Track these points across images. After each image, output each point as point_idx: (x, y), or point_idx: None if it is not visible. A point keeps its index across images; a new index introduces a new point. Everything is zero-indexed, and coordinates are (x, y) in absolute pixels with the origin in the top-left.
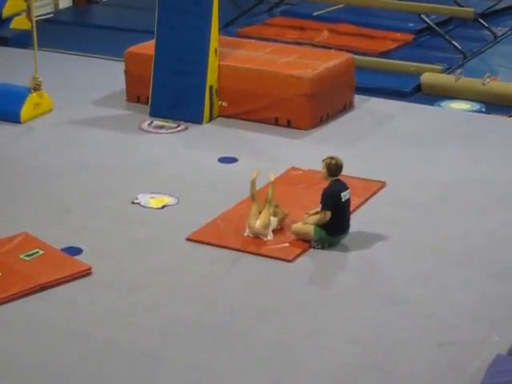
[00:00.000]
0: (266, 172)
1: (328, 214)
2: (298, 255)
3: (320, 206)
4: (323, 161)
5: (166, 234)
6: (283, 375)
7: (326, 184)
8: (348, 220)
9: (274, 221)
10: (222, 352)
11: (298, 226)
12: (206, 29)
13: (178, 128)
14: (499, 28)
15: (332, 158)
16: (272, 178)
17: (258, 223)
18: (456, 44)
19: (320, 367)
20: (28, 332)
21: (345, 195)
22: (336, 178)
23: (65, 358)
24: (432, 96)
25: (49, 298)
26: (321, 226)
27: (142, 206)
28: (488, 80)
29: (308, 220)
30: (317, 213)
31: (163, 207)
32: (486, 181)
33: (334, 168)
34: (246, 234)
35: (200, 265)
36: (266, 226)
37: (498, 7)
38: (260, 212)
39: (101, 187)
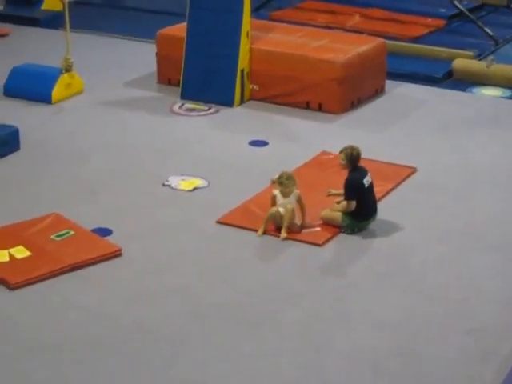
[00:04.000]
0: (296, 156)
1: (353, 204)
2: (328, 240)
3: (343, 195)
4: (342, 152)
5: (196, 217)
6: (310, 358)
7: (346, 172)
8: (375, 203)
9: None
10: (248, 334)
11: (326, 212)
12: (237, 12)
13: (209, 111)
14: None
15: (352, 149)
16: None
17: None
18: (488, 30)
19: (348, 351)
20: (57, 312)
21: (367, 180)
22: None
23: (93, 339)
24: (463, 82)
25: (79, 279)
26: (348, 212)
27: (173, 189)
28: None
29: (335, 208)
30: (339, 195)
31: (194, 189)
32: None
33: (355, 159)
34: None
35: (229, 248)
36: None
37: None
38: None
39: (131, 169)
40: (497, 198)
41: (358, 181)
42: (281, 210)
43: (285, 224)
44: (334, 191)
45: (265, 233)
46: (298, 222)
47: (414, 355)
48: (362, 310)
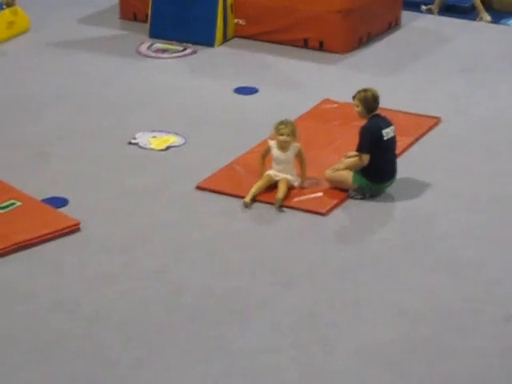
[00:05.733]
0: (293, 105)
1: (366, 158)
2: (334, 207)
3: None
4: (355, 96)
5: (170, 182)
6: (315, 355)
7: (364, 122)
8: (394, 164)
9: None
10: (237, 326)
11: (332, 171)
12: None
13: (185, 52)
14: None
15: (366, 90)
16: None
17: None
18: None
19: (359, 345)
20: (2, 302)
21: (388, 132)
22: (375, 112)
23: (44, 334)
24: (498, 12)
25: (28, 260)
26: (361, 171)
27: (142, 148)
28: None
29: (340, 165)
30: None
31: (167, 148)
32: None
33: (371, 101)
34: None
35: (212, 219)
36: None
37: None
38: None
39: (90, 125)
40: None
41: (375, 130)
42: (274, 174)
43: (279, 196)
44: (350, 153)
45: (254, 200)
46: (295, 183)
47: (440, 349)
48: (376, 294)
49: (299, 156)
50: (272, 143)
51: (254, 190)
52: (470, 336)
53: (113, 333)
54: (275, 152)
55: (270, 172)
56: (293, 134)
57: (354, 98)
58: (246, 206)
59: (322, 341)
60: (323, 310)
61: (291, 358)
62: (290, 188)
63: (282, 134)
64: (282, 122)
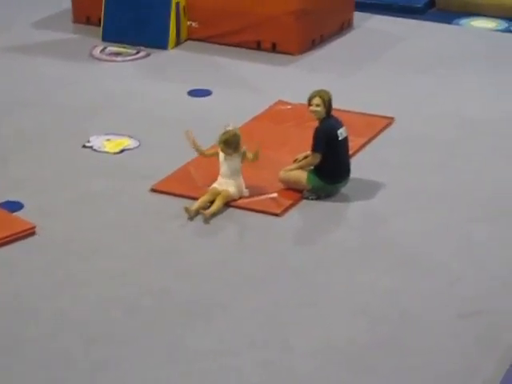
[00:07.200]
0: (246, 107)
1: (318, 157)
2: (288, 208)
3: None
4: (316, 96)
5: (125, 185)
6: (274, 355)
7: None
8: (348, 164)
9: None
10: (197, 327)
11: (286, 172)
12: None
13: (138, 55)
14: None
15: (327, 93)
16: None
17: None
18: None
19: (319, 344)
20: None
21: (341, 133)
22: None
23: (5, 338)
24: (449, 12)
25: None
26: (315, 171)
27: (96, 151)
28: None
29: (292, 166)
30: (306, 157)
31: (121, 151)
32: None
33: (331, 103)
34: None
35: (168, 221)
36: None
37: None
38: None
39: (43, 128)
40: (493, 155)
41: (331, 130)
42: (219, 185)
43: (209, 210)
44: (301, 156)
45: (198, 212)
46: (245, 192)
47: (399, 347)
48: (334, 294)
49: (246, 158)
50: (220, 153)
51: (198, 204)
52: (429, 334)
53: (73, 336)
54: (221, 162)
55: (215, 184)
56: (235, 148)
57: (311, 98)
58: (188, 212)
59: (281, 341)
60: (282, 311)
61: (251, 359)
62: (231, 201)
63: (224, 147)
64: (221, 137)
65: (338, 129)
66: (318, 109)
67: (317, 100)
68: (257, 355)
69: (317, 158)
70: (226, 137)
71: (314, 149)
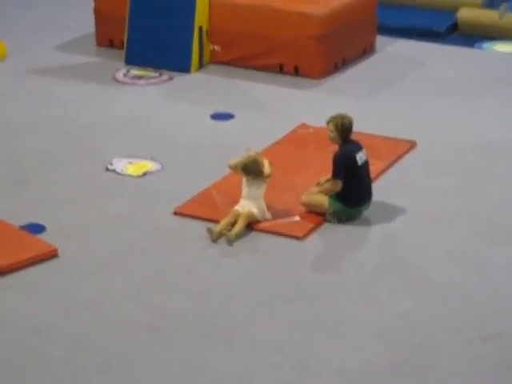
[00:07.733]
0: (268, 131)
1: (339, 184)
2: (310, 231)
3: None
4: (330, 122)
5: (147, 208)
6: (292, 377)
7: (336, 147)
8: (369, 187)
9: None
10: (216, 350)
11: (308, 196)
12: None
13: (161, 78)
14: None
15: (343, 117)
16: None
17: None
18: None
19: (338, 368)
20: None
21: (361, 157)
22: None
23: (27, 358)
24: (471, 36)
25: (6, 286)
26: (336, 195)
27: (118, 174)
28: None
29: (317, 189)
30: (329, 180)
31: (144, 175)
32: None
33: (346, 129)
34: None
35: (190, 244)
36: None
37: None
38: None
39: (67, 150)
40: (511, 178)
41: (349, 156)
42: (241, 207)
43: (232, 232)
44: (323, 180)
45: (221, 235)
46: (268, 215)
47: (418, 371)
48: (353, 317)
49: (268, 178)
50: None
51: (221, 226)
52: (448, 357)
53: (92, 358)
54: (243, 185)
55: (237, 207)
56: (256, 173)
57: (328, 122)
58: (211, 234)
59: (301, 364)
60: (302, 334)
61: (270, 381)
62: (254, 223)
63: (246, 174)
64: (240, 163)
65: (357, 153)
66: (332, 135)
67: (330, 125)
68: (275, 378)
69: (338, 185)
70: (245, 163)
71: (334, 176)
